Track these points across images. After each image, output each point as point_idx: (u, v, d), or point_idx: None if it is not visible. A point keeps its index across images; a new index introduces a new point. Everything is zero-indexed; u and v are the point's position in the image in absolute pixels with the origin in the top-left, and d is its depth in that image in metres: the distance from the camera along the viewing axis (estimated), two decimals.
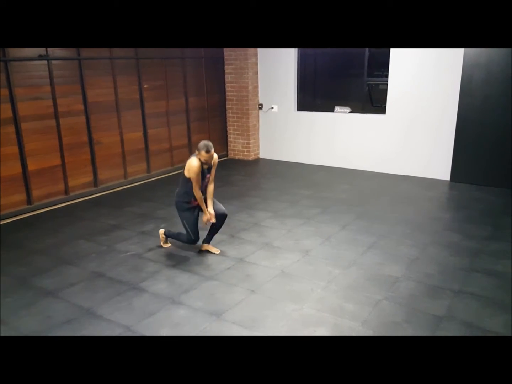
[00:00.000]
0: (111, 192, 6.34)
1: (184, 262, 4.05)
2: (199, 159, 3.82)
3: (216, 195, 6.17)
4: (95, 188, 6.26)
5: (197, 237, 4.07)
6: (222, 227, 4.24)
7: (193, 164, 3.80)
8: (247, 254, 4.20)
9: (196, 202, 3.99)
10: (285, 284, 3.63)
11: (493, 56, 5.71)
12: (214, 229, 4.20)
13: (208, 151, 3.75)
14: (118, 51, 6.27)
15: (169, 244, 4.42)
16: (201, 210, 4.04)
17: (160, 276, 3.80)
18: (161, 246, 4.40)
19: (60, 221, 5.18)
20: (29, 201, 5.50)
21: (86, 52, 5.84)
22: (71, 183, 5.95)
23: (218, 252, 4.24)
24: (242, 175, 7.23)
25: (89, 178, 6.19)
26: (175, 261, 4.08)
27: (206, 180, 4.00)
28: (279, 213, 5.29)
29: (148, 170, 7.06)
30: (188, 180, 3.90)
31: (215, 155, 3.94)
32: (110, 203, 5.82)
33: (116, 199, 6.00)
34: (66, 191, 5.91)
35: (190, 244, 4.19)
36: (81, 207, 5.72)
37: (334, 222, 4.97)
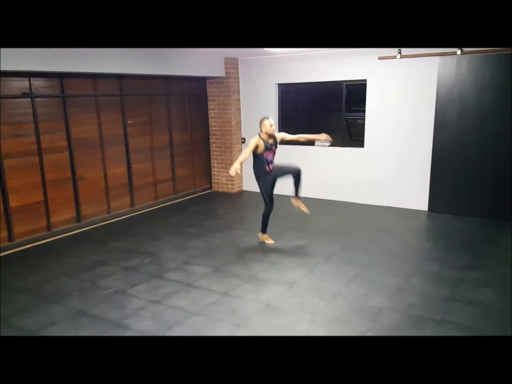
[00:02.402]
0: (94, 227, 6.30)
1: (169, 298, 4.03)
2: (261, 134, 4.96)
3: (200, 228, 6.18)
4: (78, 223, 6.22)
5: (272, 203, 5.13)
6: (210, 259, 4.27)
7: (251, 139, 4.99)
8: (233, 287, 4.20)
9: (268, 168, 5.00)
10: (271, 317, 3.64)
11: (465, 92, 5.99)
12: (296, 183, 5.25)
13: (267, 117, 4.99)
14: (102, 89, 6.38)
15: (272, 241, 5.32)
16: (274, 179, 5.09)
17: (144, 313, 3.76)
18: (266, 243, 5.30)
19: (43, 258, 5.11)
20: (10, 238, 5.43)
21: (70, 89, 5.93)
22: (53, 219, 5.91)
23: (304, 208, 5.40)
24: (227, 208, 7.28)
25: (72, 213, 6.16)
26: (159, 296, 4.06)
27: (274, 150, 5.07)
28: (264, 245, 5.32)
29: (132, 204, 7.06)
30: (254, 156, 5.01)
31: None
32: (94, 239, 5.78)
33: (100, 235, 5.97)
34: (49, 227, 5.86)
35: (270, 211, 5.17)
36: (64, 243, 5.67)
37: (319, 253, 5.02)
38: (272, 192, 5.14)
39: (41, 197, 5.75)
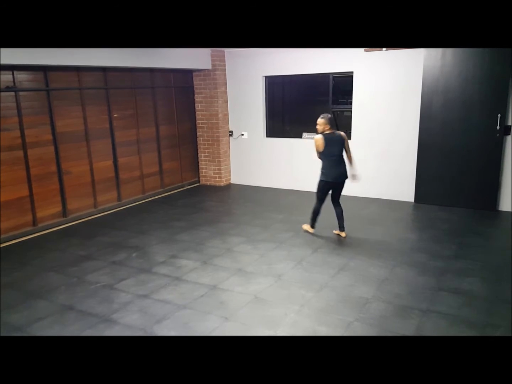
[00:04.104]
0: (80, 222, 6.25)
1: (157, 292, 4.02)
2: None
3: (188, 221, 6.19)
4: (64, 218, 6.16)
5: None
6: (198, 253, 4.26)
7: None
8: (221, 280, 4.21)
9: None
10: (259, 309, 3.65)
11: (450, 83, 6.04)
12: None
13: (322, 117, 5.21)
14: (87, 82, 6.30)
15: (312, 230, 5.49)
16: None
17: (132, 307, 3.75)
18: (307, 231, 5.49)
19: (29, 253, 5.06)
20: None
21: (54, 83, 5.84)
22: (39, 214, 5.84)
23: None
24: (214, 201, 7.27)
25: (57, 208, 6.10)
26: (147, 290, 4.05)
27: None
28: (252, 238, 5.33)
29: (119, 198, 7.01)
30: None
31: (342, 133, 5.29)
32: (80, 233, 5.73)
33: (86, 229, 5.92)
34: (34, 222, 5.80)
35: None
36: (50, 238, 5.61)
37: (306, 245, 5.05)
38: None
39: (26, 192, 5.67)
